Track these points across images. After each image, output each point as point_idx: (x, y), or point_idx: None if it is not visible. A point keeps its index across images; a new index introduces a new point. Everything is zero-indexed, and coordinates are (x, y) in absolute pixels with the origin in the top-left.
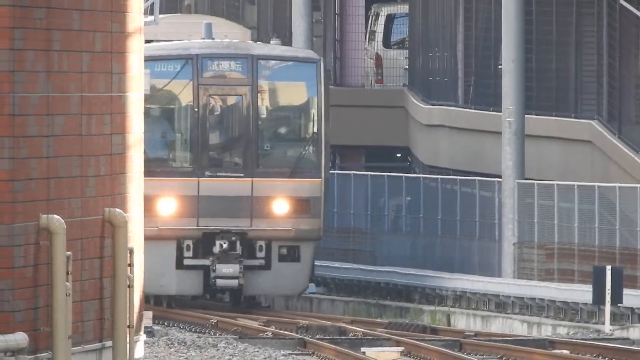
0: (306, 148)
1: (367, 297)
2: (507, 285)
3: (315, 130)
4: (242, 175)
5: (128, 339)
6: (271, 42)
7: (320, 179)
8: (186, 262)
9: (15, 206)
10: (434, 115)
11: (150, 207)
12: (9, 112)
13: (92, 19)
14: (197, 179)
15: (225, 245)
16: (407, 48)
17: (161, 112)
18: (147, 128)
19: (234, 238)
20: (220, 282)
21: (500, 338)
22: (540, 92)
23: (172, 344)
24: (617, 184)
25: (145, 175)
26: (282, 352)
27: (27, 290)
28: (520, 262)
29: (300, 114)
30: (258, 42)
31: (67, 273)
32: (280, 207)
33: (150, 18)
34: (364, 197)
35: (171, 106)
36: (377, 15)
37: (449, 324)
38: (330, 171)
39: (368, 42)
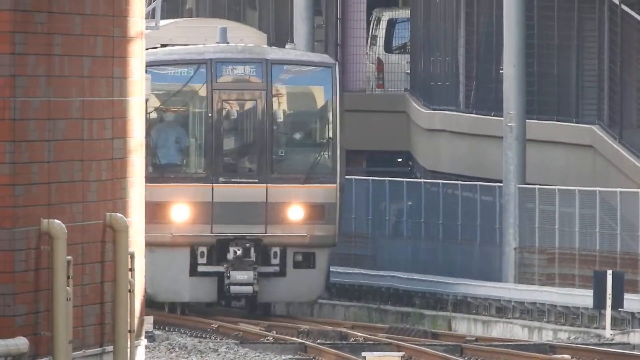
0: (321, 153)
1: (368, 302)
2: (508, 290)
3: (331, 135)
4: (256, 181)
5: (129, 343)
6: (286, 46)
7: (335, 185)
8: (200, 268)
9: (16, 211)
10: (435, 119)
11: (164, 213)
12: (10, 116)
13: (94, 23)
14: (211, 184)
15: (239, 252)
16: (409, 53)
17: (175, 117)
18: (161, 133)
19: (248, 244)
20: (234, 289)
21: (501, 343)
22: (541, 96)
23: (173, 348)
24: (618, 189)
25: (158, 181)
26: (283, 357)
27: (28, 294)
28: (521, 267)
29: (315, 119)
30: (273, 47)
31: (68, 277)
32: (295, 213)
33: (152, 22)
34: (365, 202)
35: (185, 111)
36: (379, 20)
37: (450, 328)
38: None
39: (369, 46)
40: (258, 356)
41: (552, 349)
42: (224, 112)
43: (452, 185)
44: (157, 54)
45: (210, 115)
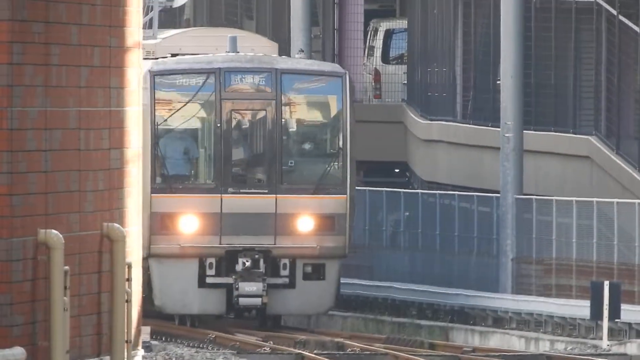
0: (331, 164)
1: (365, 312)
2: (505, 300)
3: (341, 145)
4: (265, 191)
5: (126, 353)
6: (296, 56)
7: (345, 195)
8: (209, 280)
9: (13, 221)
10: (432, 130)
11: (172, 224)
12: (7, 126)
13: (91, 33)
14: (219, 195)
15: (248, 263)
16: (406, 63)
17: (183, 127)
18: (169, 143)
19: (257, 256)
20: (243, 301)
21: (499, 353)
22: (538, 107)
23: (170, 358)
24: (615, 200)
25: (166, 192)
26: None
27: (25, 304)
28: (518, 277)
29: (326, 129)
30: (283, 56)
31: (65, 288)
32: (305, 224)
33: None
34: (362, 212)
35: (193, 121)
36: (376, 31)
37: (447, 339)
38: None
39: (367, 57)
40: None
41: (549, 359)
42: (233, 122)
43: (449, 195)
44: (166, 63)
45: (219, 125)
